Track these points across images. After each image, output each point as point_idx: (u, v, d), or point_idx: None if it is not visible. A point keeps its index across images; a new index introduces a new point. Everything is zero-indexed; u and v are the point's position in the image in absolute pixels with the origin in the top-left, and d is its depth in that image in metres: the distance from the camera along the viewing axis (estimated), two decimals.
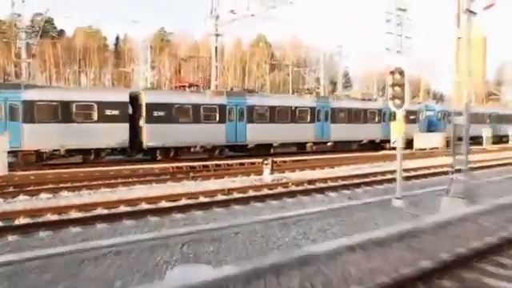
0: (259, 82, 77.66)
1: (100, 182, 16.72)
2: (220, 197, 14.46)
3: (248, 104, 26.69)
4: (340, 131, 30.74)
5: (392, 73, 12.06)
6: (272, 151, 27.56)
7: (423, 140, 34.44)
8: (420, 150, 33.24)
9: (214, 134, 25.24)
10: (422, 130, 35.82)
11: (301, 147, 29.40)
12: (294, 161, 24.98)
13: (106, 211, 12.23)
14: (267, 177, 17.73)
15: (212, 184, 17.02)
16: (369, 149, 32.47)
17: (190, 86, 27.60)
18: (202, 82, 73.72)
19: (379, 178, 19.07)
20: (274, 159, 19.62)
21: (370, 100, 34.10)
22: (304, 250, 7.96)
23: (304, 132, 29.01)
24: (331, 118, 30.50)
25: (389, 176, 19.22)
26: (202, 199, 14.04)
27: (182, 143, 24.19)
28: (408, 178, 18.26)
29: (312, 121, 29.50)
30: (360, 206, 12.17)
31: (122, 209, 12.56)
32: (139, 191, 15.26)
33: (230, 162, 23.26)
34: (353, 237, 8.80)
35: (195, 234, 9.03)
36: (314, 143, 29.82)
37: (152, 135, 23.23)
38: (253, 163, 22.95)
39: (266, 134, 27.17)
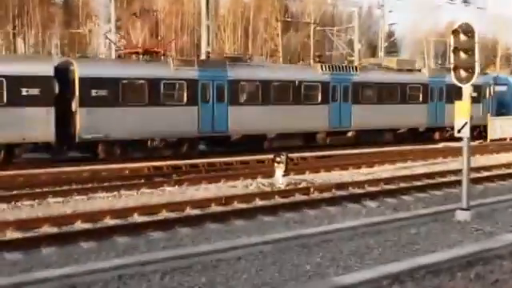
0: (268, 47, 77.60)
1: (46, 190, 16.90)
2: (215, 208, 14.59)
3: (230, 78, 26.16)
4: (365, 116, 30.11)
5: (455, 32, 12.04)
6: (266, 145, 27.05)
7: (501, 127, 34.37)
8: (496, 140, 33.21)
9: (180, 121, 24.64)
10: (488, 112, 35.24)
11: (308, 139, 28.81)
12: (317, 157, 25.13)
13: (55, 229, 12.36)
14: (280, 180, 17.84)
15: (204, 191, 17.16)
16: (411, 140, 31.86)
17: (146, 52, 26.25)
18: (190, 48, 73.81)
19: (437, 180, 19.20)
20: (290, 155, 19.70)
21: (410, 70, 33.27)
22: (332, 281, 8.00)
23: (312, 117, 28.41)
24: (352, 97, 29.93)
25: (450, 178, 19.31)
26: (190, 212, 14.17)
27: (133, 135, 23.64)
28: (478, 181, 18.32)
29: (324, 101, 29.01)
30: (410, 219, 12.21)
31: (79, 226, 12.70)
32: (102, 201, 15.42)
33: (227, 159, 23.38)
34: (400, 263, 8.84)
35: (181, 259, 9.09)
36: (328, 133, 29.29)
37: (89, 124, 22.55)
38: (260, 161, 23.06)
39: (258, 120, 26.60)
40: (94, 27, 72.33)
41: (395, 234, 11.11)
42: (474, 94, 34.44)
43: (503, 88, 38.50)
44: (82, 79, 22.60)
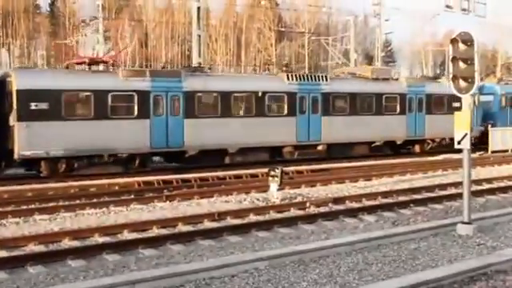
0: (262, 57, 77.86)
1: (32, 206, 16.80)
2: (207, 224, 14.57)
3: (186, 89, 25.30)
4: (337, 128, 29.08)
5: (454, 41, 12.11)
6: (228, 161, 26.44)
7: (502, 138, 34.46)
8: (497, 152, 33.30)
9: (130, 135, 23.79)
10: (472, 123, 34.73)
11: (275, 154, 27.92)
12: (313, 171, 25.10)
13: (42, 248, 12.30)
14: (275, 194, 17.83)
15: (196, 206, 17.12)
16: (389, 154, 31.31)
17: (92, 63, 25.21)
18: (180, 59, 74.01)
19: (437, 193, 19.23)
20: (285, 169, 19.71)
21: (387, 79, 32.11)
22: None
23: (278, 131, 27.41)
24: (322, 109, 28.90)
25: (451, 190, 19.36)
26: (182, 228, 14.14)
27: (78, 151, 22.72)
28: (479, 194, 18.37)
29: (291, 113, 28.00)
30: (410, 234, 12.19)
31: (66, 244, 12.64)
32: (90, 218, 15.34)
33: (220, 173, 23.37)
34: (400, 279, 8.84)
35: (173, 277, 9.06)
36: (296, 147, 28.35)
37: (28, 139, 21.72)
38: (254, 175, 23.05)
39: (216, 134, 25.66)
40: (81, 38, 72.34)
41: (394, 249, 11.11)
42: (457, 105, 33.83)
43: (489, 98, 37.05)
44: (19, 91, 21.80)
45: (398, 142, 32.13)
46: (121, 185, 20.97)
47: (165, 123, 24.73)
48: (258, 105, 27.10)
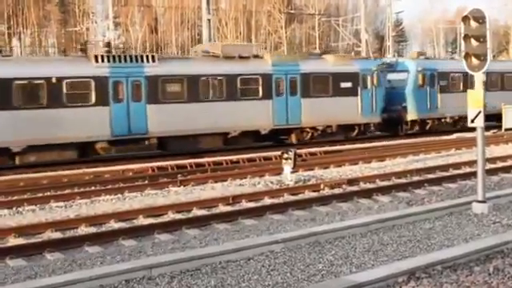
0: (272, 40, 77.55)
1: (48, 194, 16.92)
2: (222, 208, 14.60)
3: None
4: (171, 118, 24.71)
5: (466, 19, 12.03)
6: (18, 161, 22.34)
7: None
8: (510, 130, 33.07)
9: None
10: (369, 110, 29.87)
11: (85, 150, 23.77)
12: (326, 152, 25.09)
13: (58, 235, 12.38)
14: (289, 177, 17.84)
15: (210, 190, 17.17)
16: (249, 146, 26.77)
17: None
18: (191, 43, 73.86)
19: (451, 172, 19.16)
20: (298, 151, 19.72)
21: (245, 58, 27.31)
22: (346, 280, 8.01)
23: (83, 123, 22.97)
24: (147, 95, 24.42)
25: (465, 169, 19.29)
26: (197, 212, 14.19)
27: None
28: (494, 172, 18.30)
29: (101, 102, 23.55)
30: (424, 214, 12.18)
31: (83, 230, 12.73)
32: (106, 204, 15.43)
33: (233, 157, 23.39)
34: (415, 259, 8.85)
35: (189, 261, 9.11)
36: (113, 143, 24.17)
37: None
38: (267, 158, 23.06)
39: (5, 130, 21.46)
40: (92, 25, 72.42)
41: (409, 229, 11.12)
42: (347, 85, 28.87)
43: (402, 76, 32.07)
44: None
45: (263, 132, 27.80)
46: (135, 170, 21.05)
47: None
48: (52, 93, 22.61)
